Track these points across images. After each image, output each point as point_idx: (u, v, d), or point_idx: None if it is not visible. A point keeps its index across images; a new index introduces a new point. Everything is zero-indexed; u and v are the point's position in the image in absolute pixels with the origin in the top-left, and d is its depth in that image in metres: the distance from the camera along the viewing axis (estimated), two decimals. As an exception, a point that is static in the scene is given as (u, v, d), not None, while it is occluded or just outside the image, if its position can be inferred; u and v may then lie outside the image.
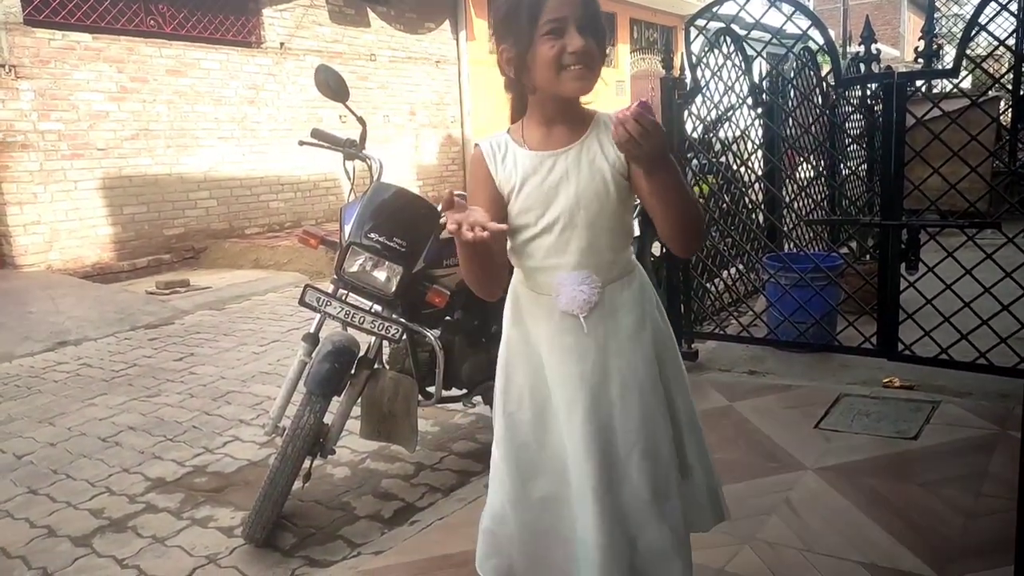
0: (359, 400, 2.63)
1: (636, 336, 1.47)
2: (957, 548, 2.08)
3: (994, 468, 2.49)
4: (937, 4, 10.44)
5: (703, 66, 3.72)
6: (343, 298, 2.57)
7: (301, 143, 2.85)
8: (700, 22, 3.58)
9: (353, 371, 2.57)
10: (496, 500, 1.55)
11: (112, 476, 3.13)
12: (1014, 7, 4.27)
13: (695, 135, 3.88)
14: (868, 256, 4.41)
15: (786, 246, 4.79)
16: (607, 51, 1.31)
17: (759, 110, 4.18)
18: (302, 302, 2.52)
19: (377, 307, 2.61)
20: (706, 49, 3.74)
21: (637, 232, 4.37)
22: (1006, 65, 5.73)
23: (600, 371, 1.44)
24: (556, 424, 1.48)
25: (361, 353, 2.60)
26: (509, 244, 1.46)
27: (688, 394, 1.61)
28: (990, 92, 5.25)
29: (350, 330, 2.61)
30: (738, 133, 4.09)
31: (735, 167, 4.14)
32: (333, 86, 2.66)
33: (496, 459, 1.55)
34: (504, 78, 1.43)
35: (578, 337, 1.44)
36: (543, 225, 1.42)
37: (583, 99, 1.42)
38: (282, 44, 9.19)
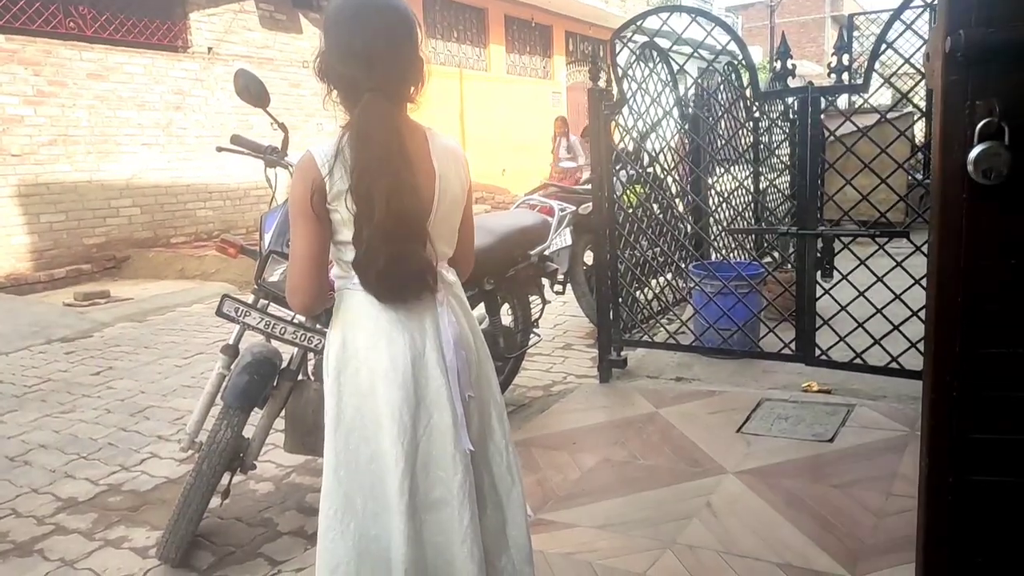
0: (282, 413, 2.57)
1: None
2: (868, 547, 2.15)
3: (904, 469, 2.58)
4: (858, 23, 10.87)
5: (629, 79, 3.78)
6: (264, 308, 2.51)
7: (220, 149, 2.78)
8: (626, 34, 3.64)
9: (275, 383, 2.51)
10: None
11: (19, 497, 2.97)
12: (924, 28, 4.47)
13: (622, 146, 3.93)
14: (789, 265, 4.55)
15: (713, 255, 4.90)
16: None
17: (684, 123, 4.27)
18: (219, 313, 2.46)
19: (299, 317, 2.56)
20: (632, 61, 3.80)
21: (570, 242, 4.42)
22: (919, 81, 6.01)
23: None
24: None
25: (284, 364, 2.54)
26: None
27: None
28: (904, 108, 5.50)
29: (273, 341, 2.55)
30: (664, 144, 4.17)
31: (662, 177, 4.22)
32: (253, 92, 2.60)
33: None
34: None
35: None
36: None
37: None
38: (210, 49, 8.98)
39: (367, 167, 1.37)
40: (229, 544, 2.55)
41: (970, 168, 1.27)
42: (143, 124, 8.30)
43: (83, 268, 7.66)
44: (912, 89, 3.26)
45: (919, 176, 6.23)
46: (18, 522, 2.77)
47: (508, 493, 1.63)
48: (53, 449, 3.44)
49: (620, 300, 3.87)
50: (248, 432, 2.48)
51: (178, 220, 8.70)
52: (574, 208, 4.34)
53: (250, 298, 2.55)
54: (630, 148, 4.06)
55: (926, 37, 4.06)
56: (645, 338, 3.96)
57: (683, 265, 4.38)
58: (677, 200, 4.19)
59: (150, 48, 8.39)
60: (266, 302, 2.54)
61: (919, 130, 7.00)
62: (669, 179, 4.10)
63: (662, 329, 4.01)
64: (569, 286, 4.76)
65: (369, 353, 1.47)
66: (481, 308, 3.42)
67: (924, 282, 2.99)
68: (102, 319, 5.99)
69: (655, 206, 4.40)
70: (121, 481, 3.08)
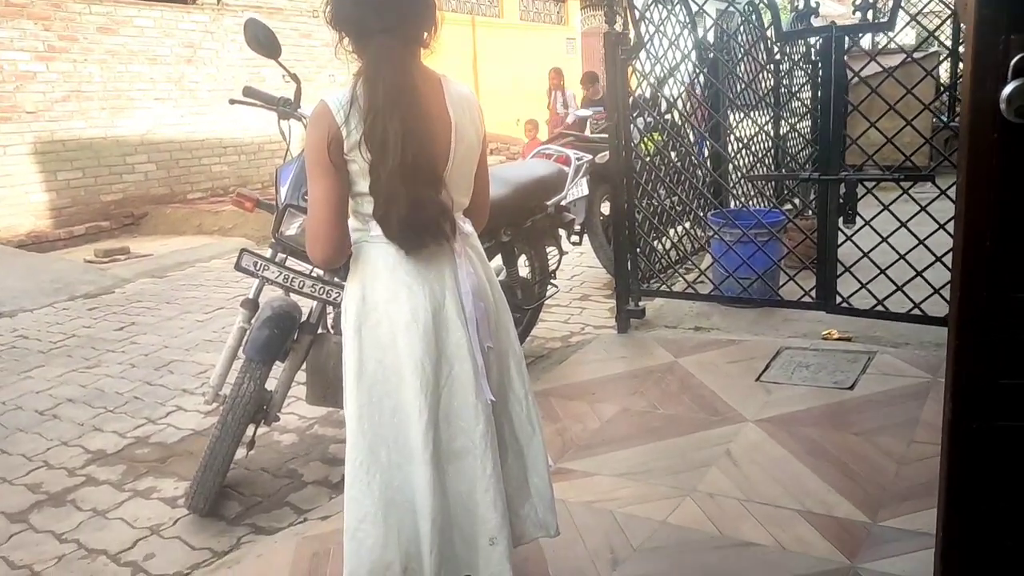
0: (303, 366, 2.59)
1: None
2: (889, 493, 2.16)
3: (926, 415, 2.57)
4: (882, -40, 10.49)
5: (647, 21, 3.68)
6: (282, 262, 2.51)
7: (232, 102, 2.75)
8: (644, -24, 3.53)
9: (296, 336, 2.53)
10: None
11: (50, 450, 3.04)
12: (952, -38, 4.30)
13: (639, 92, 3.85)
14: (810, 212, 4.48)
15: (732, 203, 4.83)
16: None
17: (703, 67, 4.17)
18: (238, 267, 2.46)
19: (317, 271, 2.56)
20: (650, 3, 3.70)
21: (586, 192, 4.37)
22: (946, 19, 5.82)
23: None
24: None
25: (303, 318, 2.55)
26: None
27: None
28: (930, 47, 5.34)
29: (291, 294, 2.55)
30: (682, 91, 4.07)
31: (680, 124, 4.13)
32: (264, 41, 2.56)
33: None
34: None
35: None
36: None
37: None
38: (219, 0, 8.85)
39: (380, 109, 1.35)
40: (256, 494, 2.60)
41: (1003, 106, 1.22)
42: (155, 79, 8.25)
43: (102, 225, 7.71)
44: (939, 27, 3.15)
45: (944, 118, 6.08)
46: (50, 474, 2.84)
47: (529, 442, 1.65)
48: (80, 403, 3.50)
49: (638, 250, 3.84)
50: (270, 385, 2.51)
51: (193, 176, 8.70)
52: (591, 157, 4.27)
53: (268, 252, 2.55)
54: (647, 95, 3.98)
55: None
56: (663, 288, 3.94)
57: (701, 213, 4.32)
58: (695, 147, 4.10)
59: (159, 0, 8.28)
60: (284, 256, 2.54)
61: (943, 71, 6.80)
62: (687, 126, 4.01)
63: (680, 279, 3.97)
64: (586, 237, 4.72)
65: (389, 305, 1.46)
66: (498, 259, 3.40)
67: (949, 227, 2.95)
68: (123, 275, 6.05)
69: (673, 154, 4.32)
70: (148, 434, 3.14)
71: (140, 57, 8.08)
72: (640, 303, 3.83)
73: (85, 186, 7.68)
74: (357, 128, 1.37)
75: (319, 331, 2.60)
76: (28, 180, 7.23)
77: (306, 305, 2.56)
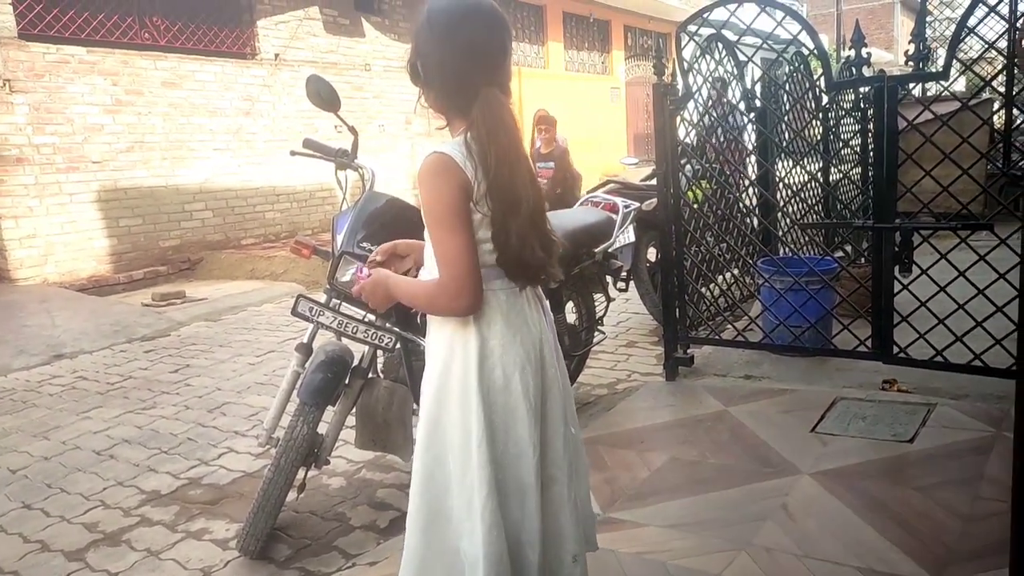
0: (353, 410, 2.62)
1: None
2: (954, 552, 2.07)
3: (991, 471, 2.48)
4: (930, 8, 10.47)
5: (695, 72, 3.72)
6: (336, 308, 2.57)
7: (293, 153, 2.85)
8: (691, 28, 3.59)
9: (347, 381, 2.56)
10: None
11: (106, 489, 3.11)
12: (1005, 10, 4.28)
13: (688, 140, 3.87)
14: (863, 259, 4.41)
15: (781, 250, 4.78)
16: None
17: (752, 115, 4.18)
18: (295, 312, 2.52)
19: (370, 316, 2.61)
20: (697, 55, 3.75)
21: (633, 238, 4.38)
22: (999, 67, 5.76)
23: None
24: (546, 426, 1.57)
25: (355, 363, 2.59)
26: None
27: None
28: (982, 95, 5.28)
29: (344, 340, 2.60)
30: (731, 139, 4.09)
31: (728, 172, 4.14)
32: (324, 96, 2.67)
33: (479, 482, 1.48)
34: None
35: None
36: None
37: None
38: (277, 55, 9.21)
39: (505, 158, 1.40)
40: (305, 537, 2.62)
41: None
42: (214, 130, 8.57)
43: (159, 270, 7.96)
44: (995, 77, 3.12)
45: (999, 165, 5.97)
46: (106, 513, 2.90)
47: (579, 469, 1.70)
48: (136, 444, 3.59)
49: (686, 297, 3.82)
50: (322, 429, 2.54)
51: (248, 222, 8.95)
52: (638, 204, 4.30)
53: (322, 298, 2.61)
54: (694, 143, 4.00)
55: (1007, 19, 3.88)
56: (712, 335, 3.90)
57: (750, 261, 4.29)
58: (744, 194, 4.10)
59: (220, 56, 8.66)
60: (338, 301, 2.60)
61: (997, 119, 6.70)
62: (736, 173, 4.02)
63: (729, 326, 3.93)
64: (632, 283, 4.72)
65: (506, 350, 1.49)
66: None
67: (1009, 276, 2.88)
68: (179, 318, 6.22)
69: (721, 202, 4.32)
70: (201, 475, 3.19)
71: (201, 110, 8.43)
72: (688, 350, 3.80)
73: (145, 232, 7.96)
74: (482, 179, 1.40)
75: (369, 376, 2.63)
76: (92, 226, 7.52)
77: (357, 350, 2.60)
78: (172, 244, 8.20)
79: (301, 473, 2.51)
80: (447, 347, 1.51)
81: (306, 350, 2.58)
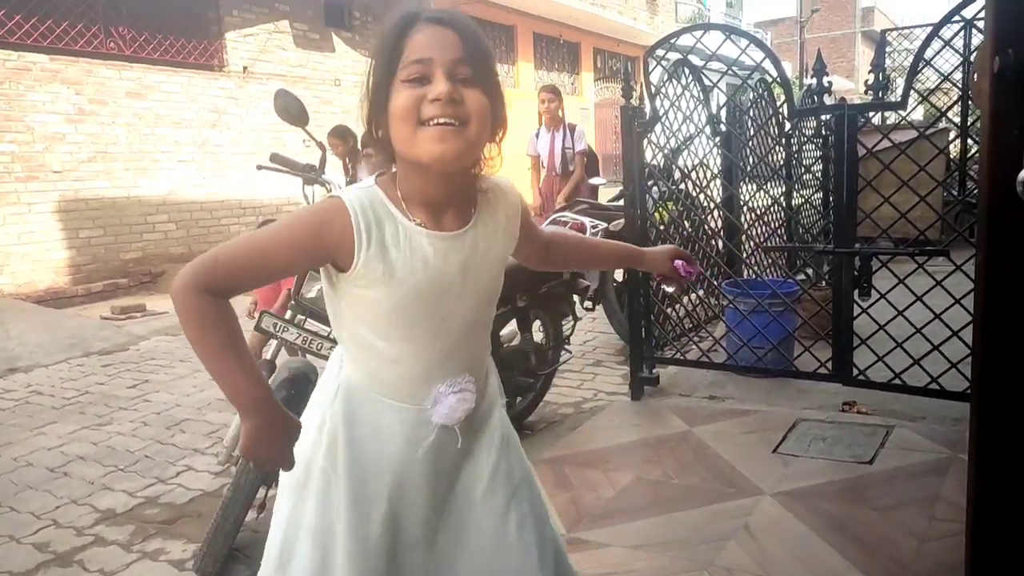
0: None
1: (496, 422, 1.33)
2: (911, 572, 2.11)
3: (946, 492, 2.53)
4: (889, 39, 10.78)
5: (662, 96, 3.78)
6: (301, 324, 2.54)
7: (259, 167, 2.83)
8: (659, 52, 3.65)
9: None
10: None
11: (59, 508, 3.02)
12: (959, 44, 4.43)
13: (655, 163, 3.93)
14: (823, 283, 4.50)
15: (745, 272, 4.86)
16: (503, 111, 1.16)
17: (717, 139, 4.26)
18: (257, 328, 2.49)
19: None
20: (665, 79, 3.81)
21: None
22: (955, 98, 5.96)
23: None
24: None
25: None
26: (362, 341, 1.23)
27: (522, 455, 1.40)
28: (939, 124, 5.44)
29: (309, 356, 2.57)
30: (696, 161, 4.16)
31: (694, 194, 4.20)
32: (293, 111, 2.65)
33: None
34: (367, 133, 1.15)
35: (451, 453, 1.25)
36: (433, 326, 1.19)
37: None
38: (245, 68, 9.16)
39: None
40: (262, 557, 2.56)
41: (1019, 188, 1.25)
42: (180, 141, 8.47)
43: (120, 282, 7.81)
44: (950, 107, 3.22)
45: (955, 192, 6.14)
46: (59, 532, 2.82)
47: None
48: (91, 461, 3.49)
49: (652, 317, 3.86)
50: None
51: (212, 236, 8.84)
52: (605, 225, 4.34)
53: (287, 314, 2.58)
54: (661, 165, 4.06)
55: (962, 53, 4.02)
56: (677, 356, 3.94)
57: (715, 282, 4.35)
58: (709, 216, 4.17)
59: (187, 67, 8.58)
60: (303, 318, 2.57)
61: (953, 147, 6.91)
62: (701, 196, 4.09)
63: (694, 347, 3.97)
64: (600, 303, 4.75)
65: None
66: (513, 324, 3.42)
67: (965, 301, 2.96)
68: (138, 332, 6.09)
69: (687, 223, 4.38)
70: (158, 493, 3.12)
71: (166, 120, 8.33)
72: (654, 370, 3.83)
73: (106, 244, 7.81)
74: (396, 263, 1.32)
75: (334, 393, 2.60)
76: (50, 237, 7.37)
77: (320, 366, 2.57)
78: (133, 256, 8.05)
79: (261, 492, 2.46)
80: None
81: (269, 366, 2.55)
